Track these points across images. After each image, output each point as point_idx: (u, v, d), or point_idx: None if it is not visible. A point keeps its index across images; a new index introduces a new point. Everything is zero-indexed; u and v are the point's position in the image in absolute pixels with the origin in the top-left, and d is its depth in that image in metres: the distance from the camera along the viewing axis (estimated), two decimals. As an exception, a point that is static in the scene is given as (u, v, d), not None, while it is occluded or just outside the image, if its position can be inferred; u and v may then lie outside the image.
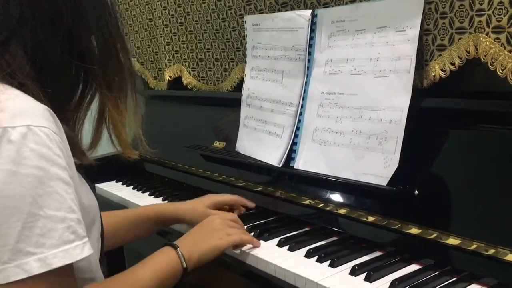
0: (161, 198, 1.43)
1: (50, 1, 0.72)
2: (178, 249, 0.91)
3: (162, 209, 1.19)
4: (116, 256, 1.62)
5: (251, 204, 1.24)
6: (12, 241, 0.62)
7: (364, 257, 0.95)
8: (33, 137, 0.64)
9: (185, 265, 0.90)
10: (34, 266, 0.63)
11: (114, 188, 1.61)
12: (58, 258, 0.64)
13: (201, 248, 0.94)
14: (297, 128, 1.21)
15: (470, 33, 0.91)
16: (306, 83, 1.20)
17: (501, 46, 0.86)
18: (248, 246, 1.03)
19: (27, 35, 0.71)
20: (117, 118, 0.80)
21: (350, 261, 0.93)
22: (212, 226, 1.00)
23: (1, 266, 0.62)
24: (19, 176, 0.63)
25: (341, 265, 0.92)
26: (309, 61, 1.20)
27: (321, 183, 1.12)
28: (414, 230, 0.92)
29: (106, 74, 0.78)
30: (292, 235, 1.07)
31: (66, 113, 0.77)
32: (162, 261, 0.89)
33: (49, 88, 0.72)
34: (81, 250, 0.67)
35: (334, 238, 1.05)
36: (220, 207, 1.20)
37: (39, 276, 0.63)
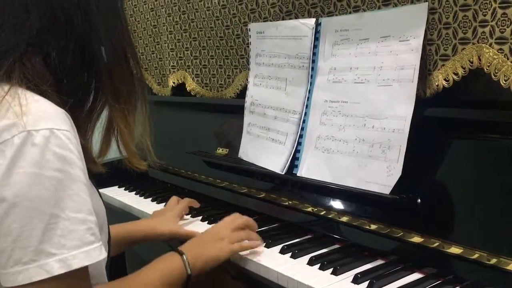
0: (164, 204, 1.43)
1: (64, 12, 0.74)
2: (184, 255, 0.94)
3: (134, 229, 1.21)
4: (117, 261, 1.62)
5: (196, 204, 1.35)
6: (35, 242, 0.64)
7: (367, 265, 0.95)
8: (56, 140, 0.66)
9: (189, 271, 0.93)
10: (55, 266, 0.64)
11: (117, 194, 1.61)
12: (78, 259, 0.66)
13: (205, 257, 0.97)
14: (300, 136, 1.21)
15: (474, 44, 0.92)
16: (310, 91, 1.21)
17: (504, 56, 0.86)
18: (250, 252, 1.04)
19: (46, 45, 0.73)
20: (124, 129, 0.81)
21: (352, 269, 0.93)
22: (218, 235, 1.02)
23: (23, 267, 0.64)
24: (43, 179, 0.64)
25: (343, 273, 0.92)
26: (312, 69, 1.20)
27: (324, 190, 1.12)
28: (417, 239, 0.92)
29: (114, 84, 0.80)
30: (294, 242, 1.07)
31: (78, 122, 0.79)
32: (169, 265, 0.92)
33: (65, 96, 0.73)
34: (99, 251, 0.69)
35: (337, 246, 1.05)
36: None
37: (59, 277, 0.65)
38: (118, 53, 0.80)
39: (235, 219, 1.08)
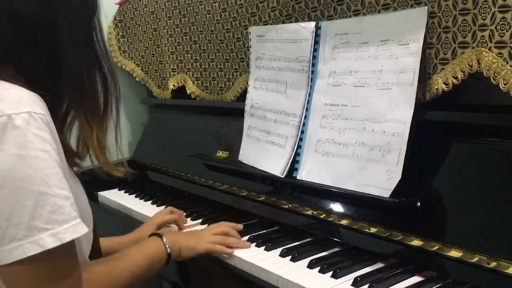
0: (163, 206, 1.44)
1: (30, 25, 0.76)
2: (163, 237, 1.02)
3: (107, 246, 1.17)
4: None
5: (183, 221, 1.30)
6: (26, 219, 0.67)
7: (367, 268, 0.95)
8: (35, 122, 0.69)
9: (169, 251, 1.01)
10: (48, 241, 0.68)
11: (117, 196, 1.61)
12: (69, 232, 0.70)
13: (182, 244, 1.04)
14: (300, 139, 1.21)
15: (473, 48, 0.92)
16: (310, 94, 1.21)
17: (504, 60, 0.86)
18: (250, 255, 1.04)
19: (17, 54, 0.76)
20: (95, 145, 0.83)
21: (352, 272, 0.93)
22: (198, 234, 1.11)
23: (17, 243, 0.67)
24: (27, 159, 0.67)
25: (343, 276, 0.92)
26: (312, 72, 1.21)
27: (324, 194, 1.12)
28: (416, 242, 0.92)
29: (81, 98, 0.81)
30: (294, 245, 1.08)
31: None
32: (151, 246, 1.00)
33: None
34: (82, 226, 0.73)
35: (337, 249, 1.05)
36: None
37: (52, 250, 0.68)
38: (88, 66, 0.81)
39: (218, 226, 1.14)
